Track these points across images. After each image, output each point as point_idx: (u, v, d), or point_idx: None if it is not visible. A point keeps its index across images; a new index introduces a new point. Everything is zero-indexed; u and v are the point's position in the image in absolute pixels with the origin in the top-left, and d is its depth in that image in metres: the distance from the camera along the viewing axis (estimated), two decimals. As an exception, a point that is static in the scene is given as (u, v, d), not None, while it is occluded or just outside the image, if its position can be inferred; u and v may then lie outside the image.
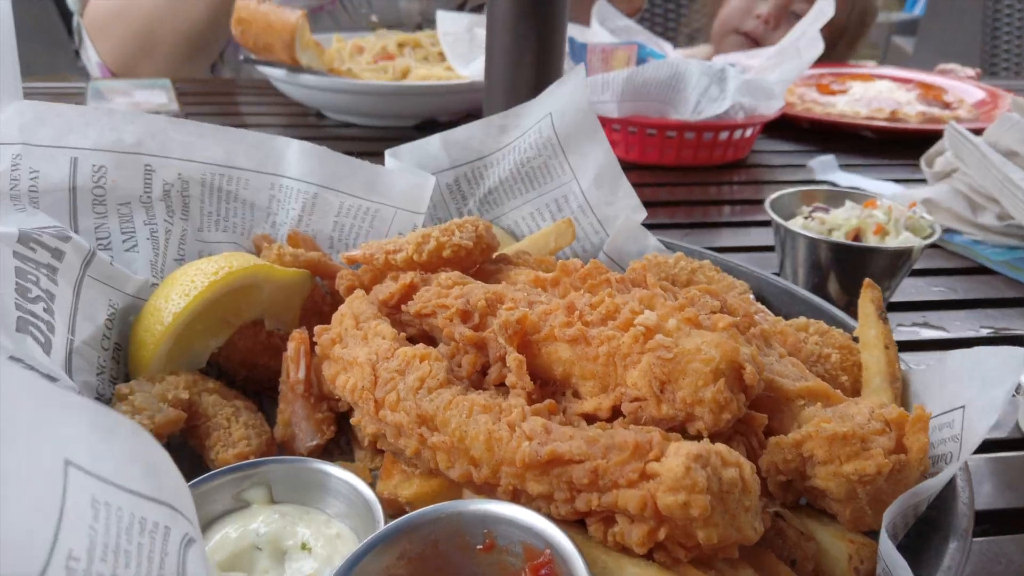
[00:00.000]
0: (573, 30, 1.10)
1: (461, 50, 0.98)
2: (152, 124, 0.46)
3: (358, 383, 0.35)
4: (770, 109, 0.86)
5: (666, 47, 1.16)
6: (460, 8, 1.31)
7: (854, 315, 0.56)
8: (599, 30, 1.13)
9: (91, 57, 1.20)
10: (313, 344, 0.39)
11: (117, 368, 0.41)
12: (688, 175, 0.88)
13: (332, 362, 0.37)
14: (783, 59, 0.97)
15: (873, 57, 5.98)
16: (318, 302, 0.46)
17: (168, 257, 0.46)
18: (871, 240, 0.55)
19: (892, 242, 0.55)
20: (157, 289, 0.41)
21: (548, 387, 0.36)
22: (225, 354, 0.43)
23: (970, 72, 1.39)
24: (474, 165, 0.52)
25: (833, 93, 1.11)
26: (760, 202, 0.80)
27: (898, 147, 0.99)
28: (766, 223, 0.75)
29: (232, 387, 0.45)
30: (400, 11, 1.27)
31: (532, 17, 0.55)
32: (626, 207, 0.51)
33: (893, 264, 0.54)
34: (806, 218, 0.58)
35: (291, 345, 0.40)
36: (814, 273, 0.56)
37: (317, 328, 0.39)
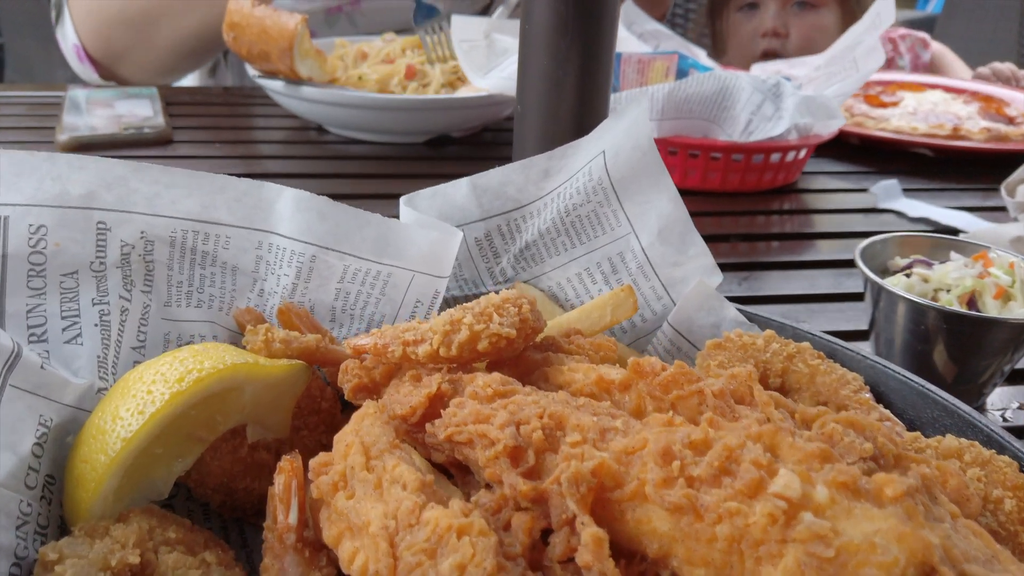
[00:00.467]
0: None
1: (478, 59, 0.88)
2: (108, 171, 0.36)
3: (370, 565, 0.25)
4: (828, 129, 0.77)
5: (699, 54, 1.06)
6: (485, 11, 1.21)
7: (965, 395, 0.46)
8: (627, 35, 1.04)
9: (68, 35, 1.08)
10: (308, 473, 0.29)
11: (48, 512, 0.31)
12: (733, 202, 0.78)
13: (334, 517, 0.27)
14: (836, 70, 0.87)
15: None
16: (315, 397, 0.37)
17: (124, 345, 0.35)
18: (990, 306, 0.46)
19: (1020, 310, 0.45)
20: (102, 401, 0.31)
21: (636, 565, 0.26)
22: (196, 477, 0.33)
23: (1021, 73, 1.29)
24: (510, 216, 0.42)
25: (884, 105, 1.01)
26: (819, 236, 0.71)
27: (960, 167, 0.90)
28: (833, 264, 0.65)
29: (206, 514, 0.35)
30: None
31: (575, 32, 0.45)
32: (698, 268, 0.41)
33: (1018, 337, 0.44)
34: (906, 275, 0.49)
35: (278, 480, 0.30)
36: (917, 343, 0.46)
37: (313, 463, 0.29)
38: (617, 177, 0.41)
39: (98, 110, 0.90)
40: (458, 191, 0.42)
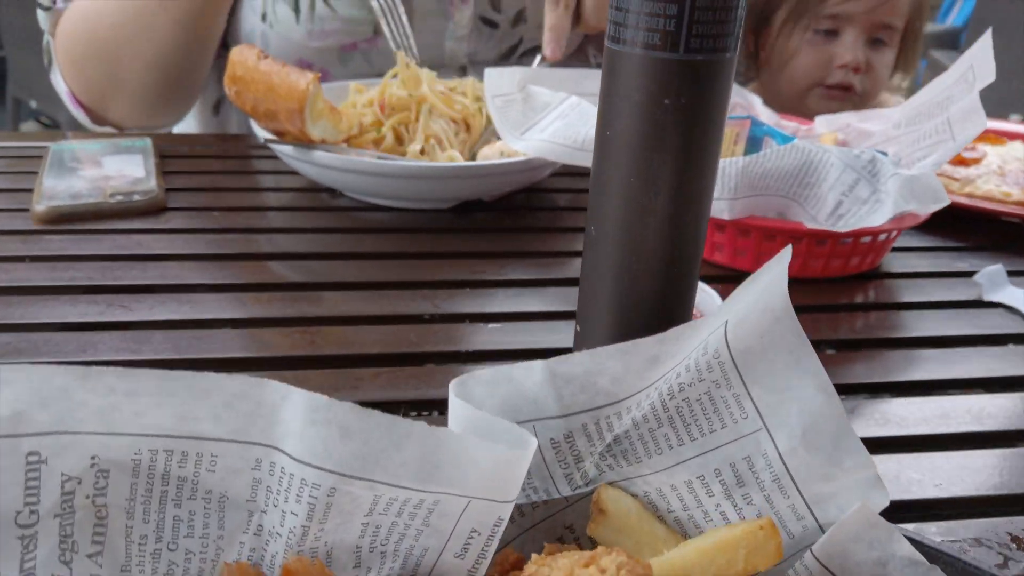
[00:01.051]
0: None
1: (513, 116, 0.77)
2: (44, 382, 0.25)
3: None
4: (928, 210, 0.66)
5: (755, 102, 0.95)
6: (512, 52, 1.10)
7: None
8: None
9: (59, 82, 1.00)
10: None
11: None
12: (811, 292, 0.67)
13: None
14: (925, 132, 0.76)
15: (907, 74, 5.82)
16: None
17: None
18: None
19: None
20: None
21: None
22: None
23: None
24: (600, 413, 0.31)
25: (967, 163, 0.90)
26: (917, 344, 0.59)
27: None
28: (940, 388, 0.53)
29: None
30: (445, 51, 1.07)
31: (673, 145, 0.34)
32: (855, 484, 0.30)
33: None
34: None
35: None
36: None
37: None
38: (740, 348, 0.31)
39: (84, 169, 0.80)
40: (529, 377, 0.31)
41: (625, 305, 0.39)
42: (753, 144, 0.69)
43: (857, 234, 0.64)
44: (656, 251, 0.37)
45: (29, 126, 3.75)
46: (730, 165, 0.63)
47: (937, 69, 4.10)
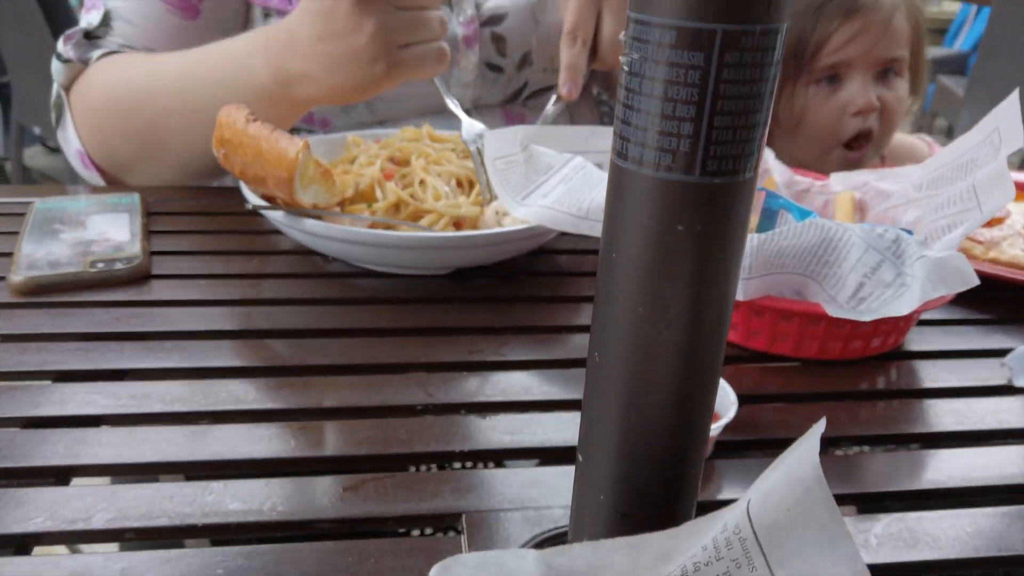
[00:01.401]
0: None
1: (515, 179, 0.74)
2: None
3: None
4: (955, 291, 0.62)
5: (767, 155, 0.91)
6: (517, 95, 1.07)
7: None
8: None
9: (70, 140, 0.96)
10: None
11: None
12: (829, 376, 0.63)
13: None
14: (949, 198, 0.72)
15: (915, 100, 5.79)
16: None
17: None
18: None
19: None
20: None
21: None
22: None
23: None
24: (602, 606, 0.27)
25: (990, 223, 0.86)
26: (942, 440, 0.55)
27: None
28: (972, 496, 0.49)
29: None
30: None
31: (687, 272, 0.30)
32: None
33: None
34: None
35: None
36: None
37: None
38: (764, 524, 0.27)
39: (66, 231, 0.77)
40: (523, 568, 0.27)
41: (632, 442, 0.35)
42: (768, 217, 0.66)
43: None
44: (667, 386, 0.34)
45: (34, 151, 3.75)
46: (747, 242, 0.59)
47: (945, 94, 4.06)
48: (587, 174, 0.72)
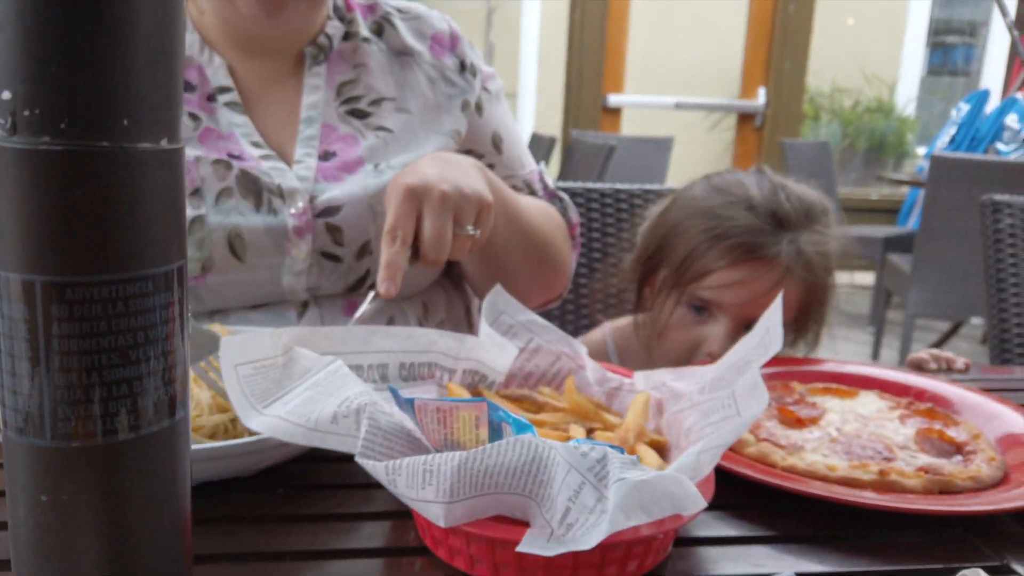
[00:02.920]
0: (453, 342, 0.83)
1: (264, 385, 0.70)
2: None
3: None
4: (688, 510, 0.56)
5: (581, 352, 0.89)
6: (359, 284, 1.03)
7: None
8: (489, 332, 0.86)
9: None
10: None
11: None
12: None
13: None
14: (717, 405, 0.68)
15: (869, 267, 5.92)
16: None
17: None
18: None
19: None
20: None
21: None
22: None
23: (959, 363, 1.10)
24: None
25: (802, 423, 0.81)
26: None
27: (898, 529, 0.67)
28: None
29: None
30: (283, 287, 1.01)
31: (52, 533, 0.25)
32: None
33: None
34: None
35: None
36: None
37: None
38: None
39: None
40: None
41: None
42: (494, 431, 0.61)
43: (609, 544, 0.54)
44: None
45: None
46: (444, 463, 0.54)
47: (895, 272, 4.13)
48: (333, 380, 0.69)
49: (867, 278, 5.31)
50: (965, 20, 7.69)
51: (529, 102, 7.45)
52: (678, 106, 5.76)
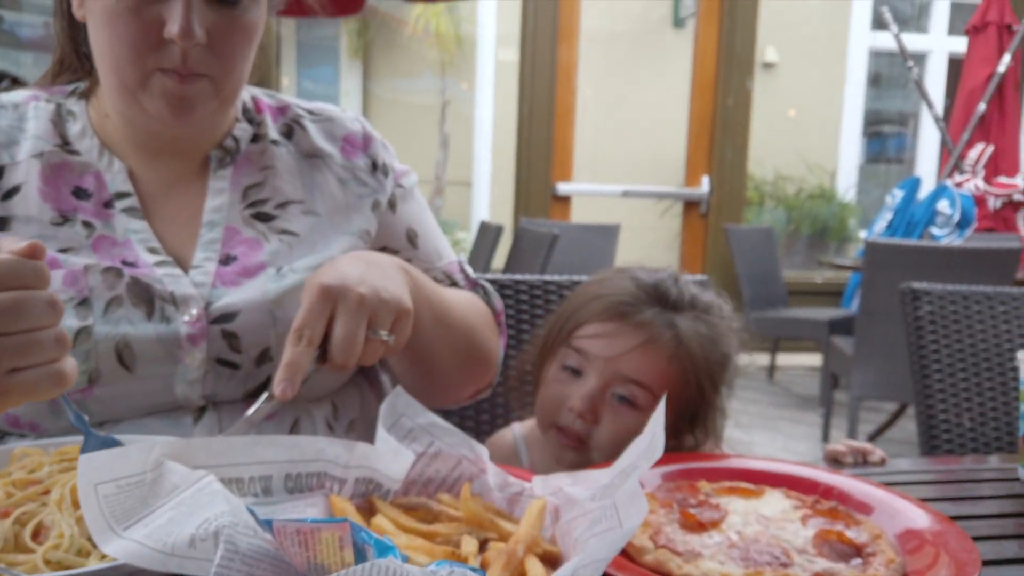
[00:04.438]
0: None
1: (128, 504, 0.66)
2: None
3: None
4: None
5: (481, 454, 0.86)
6: (260, 390, 0.97)
7: None
8: (385, 437, 0.84)
9: None
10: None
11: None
12: None
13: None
14: (598, 515, 0.66)
15: (815, 349, 5.99)
16: None
17: None
18: None
19: None
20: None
21: None
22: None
23: (875, 456, 1.10)
24: None
25: (703, 527, 0.79)
26: None
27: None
28: None
29: None
30: (177, 395, 0.97)
31: None
32: None
33: None
34: None
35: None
36: None
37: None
38: None
39: None
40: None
41: None
42: (359, 551, 0.58)
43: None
44: None
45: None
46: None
47: (838, 354, 4.18)
48: (202, 497, 0.65)
49: (815, 360, 5.37)
50: (895, 111, 8.10)
51: (483, 191, 7.59)
52: (625, 194, 5.90)
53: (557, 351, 1.06)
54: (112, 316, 0.92)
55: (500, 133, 6.92)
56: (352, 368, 0.88)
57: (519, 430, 1.17)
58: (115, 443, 0.73)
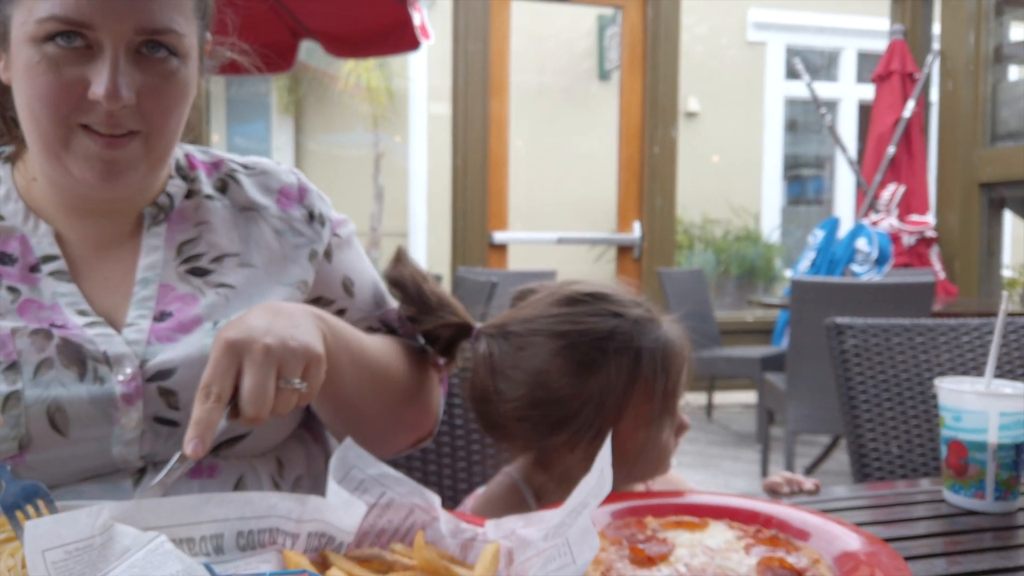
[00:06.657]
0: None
1: (76, 571, 0.64)
2: None
3: None
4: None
5: (434, 502, 0.87)
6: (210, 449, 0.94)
7: None
8: (336, 490, 0.84)
9: None
10: None
11: None
12: None
13: None
14: (556, 552, 0.68)
15: (751, 387, 6.08)
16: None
17: None
18: None
19: None
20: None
21: None
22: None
23: (808, 484, 1.15)
24: None
25: (652, 562, 0.82)
26: None
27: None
28: None
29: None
30: (114, 457, 0.94)
31: None
32: None
33: None
34: None
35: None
36: None
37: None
38: None
39: None
40: None
41: None
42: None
43: None
44: None
45: None
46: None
47: (771, 389, 4.29)
48: (155, 559, 0.65)
49: (751, 397, 5.50)
50: (812, 155, 8.50)
51: (420, 242, 7.61)
52: (560, 241, 6.00)
53: (664, 421, 1.08)
54: (42, 379, 0.90)
55: (435, 184, 6.99)
56: (265, 419, 0.85)
57: (517, 474, 1.15)
58: (38, 489, 0.72)
